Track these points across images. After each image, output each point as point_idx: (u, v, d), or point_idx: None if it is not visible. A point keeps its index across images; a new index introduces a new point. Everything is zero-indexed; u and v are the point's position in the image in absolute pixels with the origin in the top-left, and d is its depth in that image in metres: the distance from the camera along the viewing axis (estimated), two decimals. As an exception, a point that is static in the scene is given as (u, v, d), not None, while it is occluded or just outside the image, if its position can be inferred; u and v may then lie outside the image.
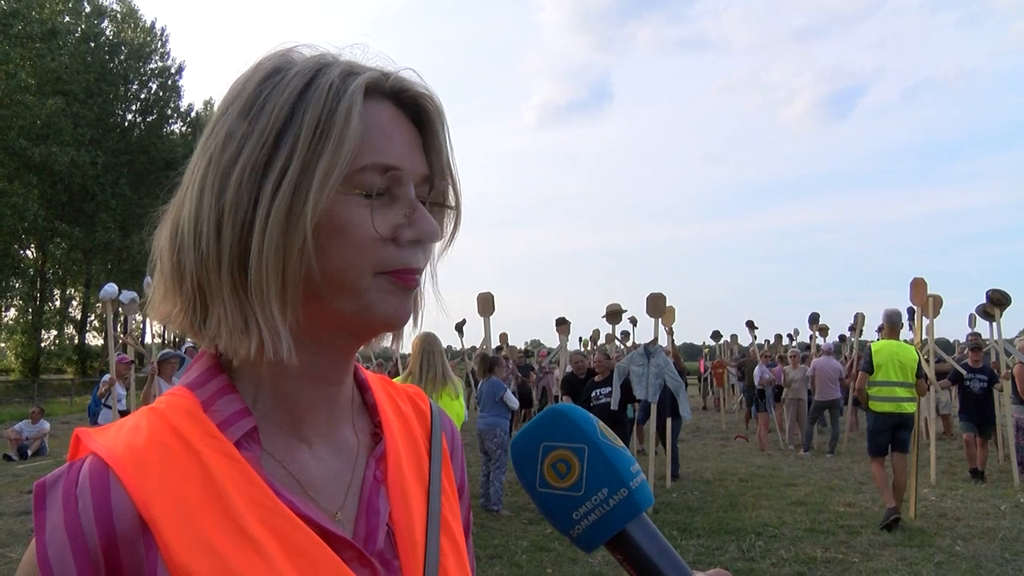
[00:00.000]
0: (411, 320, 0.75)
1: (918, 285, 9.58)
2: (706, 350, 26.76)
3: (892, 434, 7.86)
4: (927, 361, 9.59)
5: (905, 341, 8.58)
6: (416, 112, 0.73)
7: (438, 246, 0.76)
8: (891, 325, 8.27)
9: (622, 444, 0.70)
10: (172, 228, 0.70)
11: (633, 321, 18.60)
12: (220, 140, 0.68)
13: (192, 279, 0.67)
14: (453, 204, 0.76)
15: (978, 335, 12.02)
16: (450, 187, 0.75)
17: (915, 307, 9.73)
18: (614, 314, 12.61)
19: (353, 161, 0.66)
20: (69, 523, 0.61)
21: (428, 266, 0.75)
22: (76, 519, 0.61)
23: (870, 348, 8.23)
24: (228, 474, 0.65)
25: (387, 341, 0.77)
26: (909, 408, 7.84)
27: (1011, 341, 11.06)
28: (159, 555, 0.61)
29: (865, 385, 7.97)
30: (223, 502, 0.64)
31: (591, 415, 0.71)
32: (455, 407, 5.68)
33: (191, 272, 0.67)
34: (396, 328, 0.73)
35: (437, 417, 0.87)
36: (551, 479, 0.68)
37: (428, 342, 5.62)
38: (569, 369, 11.45)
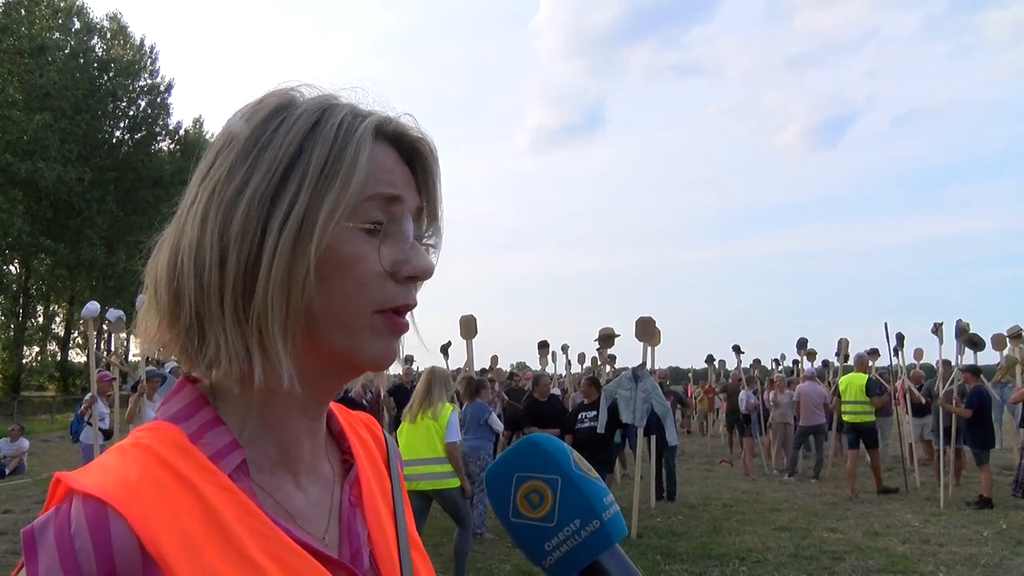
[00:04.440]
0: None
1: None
2: (690, 374, 26.77)
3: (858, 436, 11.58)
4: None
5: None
6: (411, 156, 0.75)
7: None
8: (859, 362, 12.65)
9: (597, 475, 0.70)
10: (170, 257, 0.69)
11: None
12: (224, 171, 0.68)
13: (191, 307, 0.67)
14: (439, 247, 0.79)
15: (947, 362, 12.18)
16: (440, 230, 0.78)
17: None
18: (607, 338, 12.60)
19: (359, 195, 0.68)
20: (67, 566, 0.58)
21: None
22: (73, 561, 0.58)
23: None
24: (227, 505, 0.64)
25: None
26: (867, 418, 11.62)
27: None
28: None
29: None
30: (226, 533, 0.63)
31: (566, 446, 0.71)
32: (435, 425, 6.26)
33: (190, 300, 0.67)
34: (382, 369, 0.74)
35: (391, 443, 0.91)
36: (524, 509, 0.68)
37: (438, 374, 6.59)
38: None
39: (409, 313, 0.76)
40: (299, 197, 0.66)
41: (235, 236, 0.66)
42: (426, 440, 6.25)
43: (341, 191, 0.66)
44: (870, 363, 13.76)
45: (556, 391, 12.64)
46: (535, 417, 9.95)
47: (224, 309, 0.66)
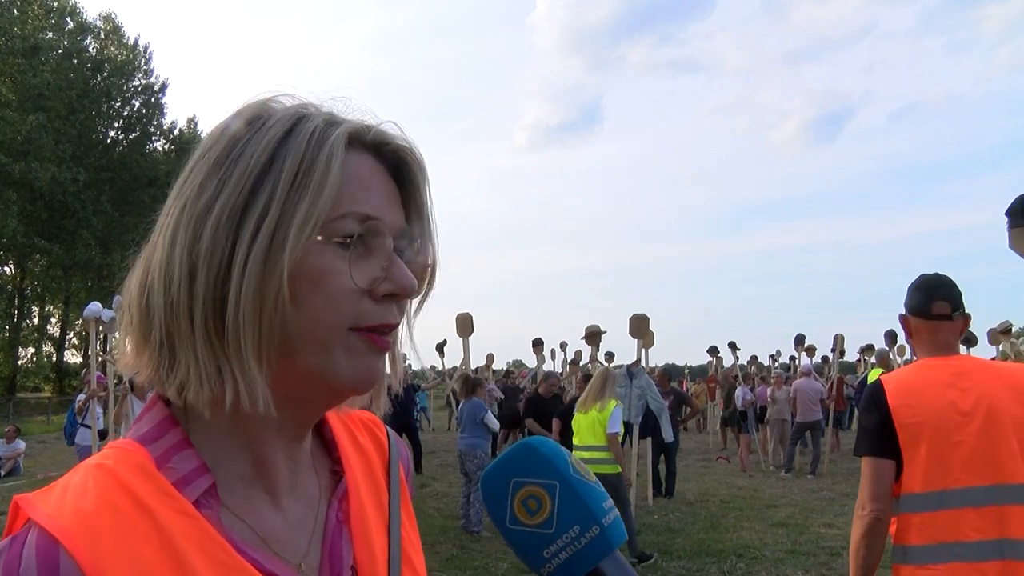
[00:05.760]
0: (384, 380, 0.74)
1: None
2: (687, 371, 26.76)
3: None
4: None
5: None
6: (396, 166, 0.72)
7: (413, 303, 0.75)
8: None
9: (595, 479, 0.69)
10: (142, 275, 0.68)
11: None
12: (196, 186, 0.66)
13: (161, 326, 0.65)
14: (430, 262, 0.75)
15: None
16: (428, 244, 0.74)
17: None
18: (593, 335, 12.60)
19: (332, 209, 0.65)
20: None
21: (405, 323, 0.74)
22: None
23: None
24: (185, 532, 0.62)
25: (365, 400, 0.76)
26: None
27: None
28: None
29: None
30: (180, 563, 0.61)
31: (564, 450, 0.70)
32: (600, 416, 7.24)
33: (160, 319, 0.65)
34: (363, 391, 0.71)
35: (395, 445, 0.86)
36: (521, 516, 0.67)
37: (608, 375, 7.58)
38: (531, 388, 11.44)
39: (409, 340, 0.75)
40: (269, 210, 0.64)
41: (204, 252, 0.64)
42: (591, 429, 7.27)
43: (312, 204, 0.64)
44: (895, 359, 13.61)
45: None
46: (536, 412, 9.99)
47: (195, 328, 0.64)
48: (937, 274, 2.53)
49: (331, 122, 0.68)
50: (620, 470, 7.20)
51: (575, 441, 7.41)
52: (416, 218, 0.73)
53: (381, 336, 0.68)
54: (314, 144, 0.66)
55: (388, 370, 0.74)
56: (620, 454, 7.30)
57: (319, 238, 0.65)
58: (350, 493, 0.76)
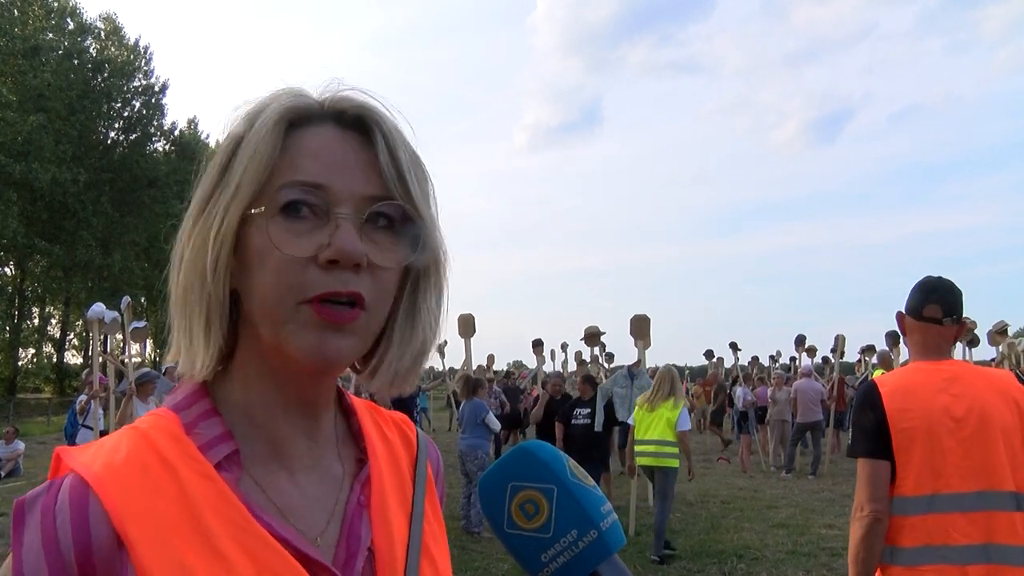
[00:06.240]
0: (370, 361, 0.76)
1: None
2: (687, 372, 26.72)
3: None
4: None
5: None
6: (365, 132, 0.72)
7: (428, 282, 0.75)
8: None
9: (593, 483, 0.68)
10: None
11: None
12: (198, 182, 0.74)
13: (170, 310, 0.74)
14: (407, 222, 0.71)
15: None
16: (406, 206, 0.71)
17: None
18: (592, 336, 12.59)
19: (270, 182, 0.68)
20: (47, 540, 0.62)
21: (409, 303, 0.74)
22: (54, 536, 0.62)
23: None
24: (204, 494, 0.65)
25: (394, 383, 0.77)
26: None
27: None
28: (132, 571, 0.62)
29: None
30: (198, 521, 0.64)
31: (561, 453, 0.69)
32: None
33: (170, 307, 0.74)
34: (321, 367, 0.69)
35: (423, 444, 0.87)
36: (519, 520, 0.66)
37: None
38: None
39: (405, 321, 0.74)
40: (213, 193, 0.70)
41: (179, 238, 0.72)
42: (658, 425, 7.62)
43: (240, 181, 0.68)
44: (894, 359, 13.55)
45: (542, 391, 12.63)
46: (546, 413, 9.95)
47: (175, 306, 0.72)
48: (940, 278, 2.54)
49: (282, 103, 0.71)
50: (677, 464, 7.62)
51: (637, 435, 7.84)
52: (383, 180, 0.70)
53: (332, 307, 0.66)
54: (255, 128, 0.69)
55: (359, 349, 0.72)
56: (689, 450, 7.84)
57: (259, 210, 0.67)
58: (372, 479, 0.77)
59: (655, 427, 7.68)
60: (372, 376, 0.76)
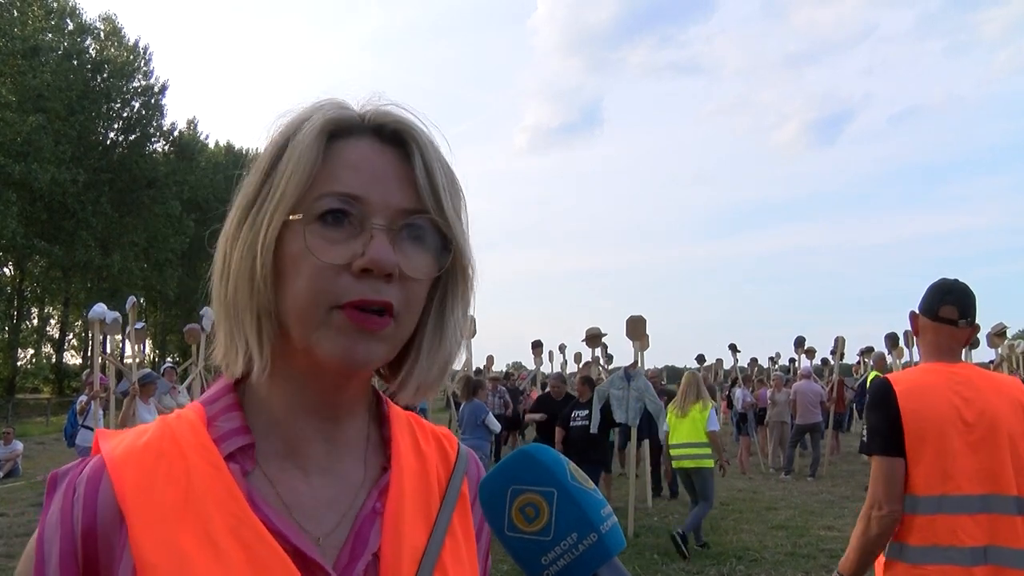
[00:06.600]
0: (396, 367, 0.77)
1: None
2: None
3: None
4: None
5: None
6: (402, 146, 0.74)
7: (456, 294, 0.78)
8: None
9: (594, 486, 0.68)
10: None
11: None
12: (239, 191, 0.76)
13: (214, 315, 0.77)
14: (439, 235, 0.74)
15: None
16: (438, 220, 0.73)
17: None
18: (593, 338, 12.59)
19: (310, 191, 0.70)
20: (64, 511, 0.68)
21: (437, 315, 0.77)
22: (70, 508, 0.68)
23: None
24: (208, 482, 0.68)
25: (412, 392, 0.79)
26: None
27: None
28: (128, 549, 0.65)
29: None
30: (198, 508, 0.67)
31: (561, 456, 0.70)
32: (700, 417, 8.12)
33: (215, 308, 0.77)
34: (349, 370, 0.72)
35: (463, 461, 0.86)
36: (519, 523, 0.66)
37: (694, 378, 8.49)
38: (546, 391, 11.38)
39: (433, 332, 0.77)
40: (256, 202, 0.72)
41: (221, 242, 0.75)
42: (691, 429, 8.09)
43: (285, 189, 0.70)
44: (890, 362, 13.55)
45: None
46: (547, 412, 9.97)
47: (223, 310, 0.74)
48: (956, 280, 2.55)
49: (326, 115, 0.73)
50: (712, 464, 8.03)
51: (672, 439, 8.28)
52: (420, 194, 0.72)
53: (363, 314, 0.68)
54: (299, 137, 0.71)
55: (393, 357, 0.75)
56: (720, 448, 8.29)
57: (297, 217, 0.69)
58: (391, 488, 0.77)
59: (687, 430, 8.12)
60: (401, 387, 0.77)
